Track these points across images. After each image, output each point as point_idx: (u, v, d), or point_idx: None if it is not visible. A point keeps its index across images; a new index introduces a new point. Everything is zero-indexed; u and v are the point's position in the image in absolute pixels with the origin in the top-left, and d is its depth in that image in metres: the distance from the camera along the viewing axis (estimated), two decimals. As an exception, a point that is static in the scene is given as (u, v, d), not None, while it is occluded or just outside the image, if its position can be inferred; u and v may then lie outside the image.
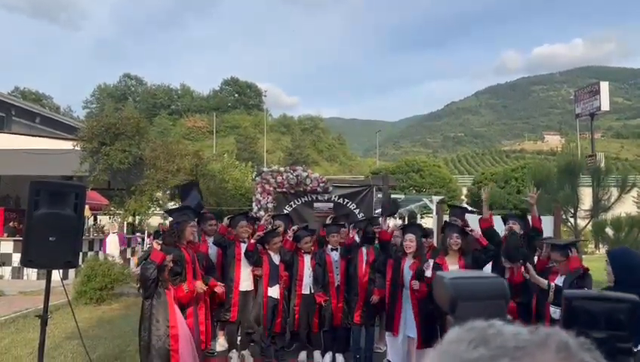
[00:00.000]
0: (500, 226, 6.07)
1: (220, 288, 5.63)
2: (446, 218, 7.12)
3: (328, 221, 7.30)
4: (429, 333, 5.46)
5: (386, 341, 6.49)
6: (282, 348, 6.60)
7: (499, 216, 6.48)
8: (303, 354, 6.52)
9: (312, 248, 6.63)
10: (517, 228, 5.69)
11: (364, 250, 6.42)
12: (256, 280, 6.37)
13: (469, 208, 8.07)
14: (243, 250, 6.31)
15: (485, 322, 0.55)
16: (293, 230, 6.79)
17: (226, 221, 6.55)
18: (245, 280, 6.31)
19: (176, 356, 4.63)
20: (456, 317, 0.61)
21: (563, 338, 0.52)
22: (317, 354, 6.50)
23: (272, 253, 6.35)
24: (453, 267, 5.35)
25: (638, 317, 0.78)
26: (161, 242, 4.96)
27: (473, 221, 6.45)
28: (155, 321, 4.61)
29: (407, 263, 5.68)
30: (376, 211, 9.37)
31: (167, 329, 4.62)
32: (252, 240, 6.27)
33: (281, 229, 6.82)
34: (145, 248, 16.78)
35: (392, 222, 10.33)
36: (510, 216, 6.14)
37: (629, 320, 0.67)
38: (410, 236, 5.75)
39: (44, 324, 4.20)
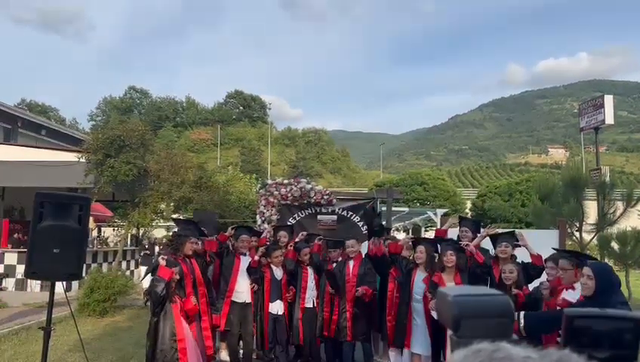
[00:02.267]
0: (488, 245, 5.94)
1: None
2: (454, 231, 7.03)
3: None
4: (438, 349, 5.40)
5: (389, 355, 6.44)
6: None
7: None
8: None
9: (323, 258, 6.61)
10: (509, 250, 5.50)
11: (350, 263, 6.33)
12: (256, 294, 6.34)
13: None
14: (242, 263, 6.29)
15: (492, 344, 0.53)
16: (303, 234, 6.79)
17: (230, 231, 6.53)
18: (243, 292, 6.27)
19: None
20: (460, 336, 0.60)
21: None
22: None
23: (274, 267, 6.32)
24: (449, 284, 5.28)
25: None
26: (166, 258, 4.95)
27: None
28: (161, 335, 4.60)
29: (419, 276, 5.62)
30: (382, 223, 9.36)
31: (174, 342, 4.61)
32: (256, 257, 6.23)
33: (285, 240, 6.81)
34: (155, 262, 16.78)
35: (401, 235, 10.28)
36: (502, 237, 5.76)
37: (634, 338, 0.65)
38: (420, 248, 5.73)
39: (48, 336, 4.19)
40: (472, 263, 5.41)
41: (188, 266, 5.28)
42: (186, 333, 4.76)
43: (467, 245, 5.51)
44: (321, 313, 6.34)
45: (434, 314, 5.08)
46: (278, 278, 6.28)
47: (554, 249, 5.29)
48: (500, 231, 6.42)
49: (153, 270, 4.85)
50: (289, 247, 6.54)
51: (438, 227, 12.44)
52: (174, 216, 13.82)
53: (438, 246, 5.85)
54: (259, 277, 6.24)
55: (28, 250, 4.18)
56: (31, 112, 30.33)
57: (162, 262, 4.78)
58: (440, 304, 0.66)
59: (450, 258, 5.31)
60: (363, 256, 6.41)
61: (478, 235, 5.95)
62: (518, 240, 5.63)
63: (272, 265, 6.32)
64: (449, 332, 0.62)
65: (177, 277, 4.77)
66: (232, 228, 6.65)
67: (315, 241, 6.76)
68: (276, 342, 6.25)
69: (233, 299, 6.21)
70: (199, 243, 5.80)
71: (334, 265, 6.49)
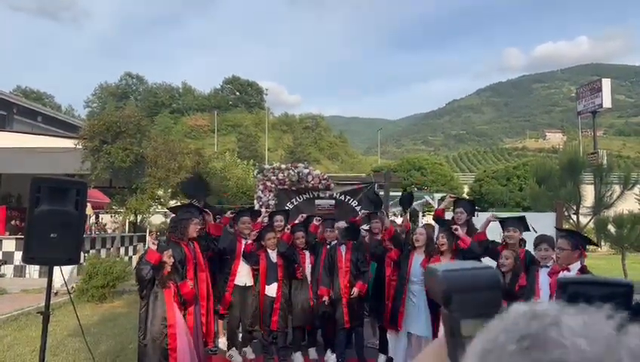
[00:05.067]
0: (497, 229, 5.86)
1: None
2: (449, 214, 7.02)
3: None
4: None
5: (378, 335, 6.53)
6: (284, 346, 6.58)
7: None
8: (311, 351, 6.55)
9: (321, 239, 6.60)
10: (517, 235, 5.37)
11: (342, 248, 6.27)
12: (256, 276, 6.36)
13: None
14: (244, 246, 6.30)
15: (534, 310, 0.50)
16: (302, 216, 6.79)
17: (229, 214, 6.49)
18: (244, 275, 6.28)
19: (174, 354, 4.61)
20: (451, 311, 0.61)
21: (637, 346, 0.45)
22: (312, 351, 6.54)
23: (269, 250, 6.33)
24: None
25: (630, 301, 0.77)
26: (156, 242, 4.92)
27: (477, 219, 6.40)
28: (152, 320, 4.60)
29: (417, 258, 5.62)
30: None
31: (165, 328, 4.60)
32: (249, 240, 6.24)
33: (281, 224, 6.80)
34: (146, 247, 16.77)
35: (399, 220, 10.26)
36: (510, 221, 5.64)
37: (625, 303, 0.66)
38: (420, 230, 5.74)
39: (46, 320, 4.21)
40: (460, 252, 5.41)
41: (191, 250, 5.27)
42: (178, 319, 4.74)
43: (456, 229, 5.49)
44: (316, 297, 6.33)
45: None
46: (274, 261, 6.29)
47: (556, 228, 5.26)
48: (507, 215, 6.33)
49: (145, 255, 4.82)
50: (286, 230, 6.54)
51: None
52: (171, 203, 13.83)
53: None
54: (255, 261, 6.25)
55: (25, 235, 4.17)
56: (27, 99, 30.16)
57: (152, 247, 4.76)
58: (430, 280, 0.66)
59: (441, 241, 5.33)
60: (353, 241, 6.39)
61: (484, 221, 5.91)
62: (528, 225, 5.56)
63: (267, 249, 6.32)
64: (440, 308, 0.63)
65: (171, 261, 4.72)
66: (232, 213, 6.62)
67: (313, 222, 6.74)
68: (270, 324, 6.27)
69: (236, 282, 6.25)
70: (200, 223, 5.77)
71: (329, 247, 6.48)
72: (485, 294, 0.59)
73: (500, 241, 5.58)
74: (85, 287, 9.84)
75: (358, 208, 8.72)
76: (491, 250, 5.44)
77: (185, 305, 4.96)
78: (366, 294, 6.23)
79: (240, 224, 6.42)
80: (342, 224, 6.71)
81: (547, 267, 4.70)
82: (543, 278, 4.61)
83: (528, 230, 5.57)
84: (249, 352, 6.41)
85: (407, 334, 5.66)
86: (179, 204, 11.91)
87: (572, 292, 0.68)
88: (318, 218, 6.79)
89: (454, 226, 5.57)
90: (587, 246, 5.03)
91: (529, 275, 4.82)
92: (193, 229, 5.33)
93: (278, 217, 6.95)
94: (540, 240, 4.93)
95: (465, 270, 0.61)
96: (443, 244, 5.33)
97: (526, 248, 5.40)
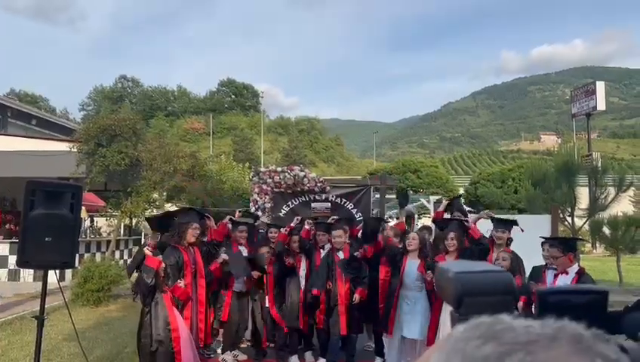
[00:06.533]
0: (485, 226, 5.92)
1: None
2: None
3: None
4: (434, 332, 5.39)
5: (373, 338, 6.50)
6: (281, 348, 6.55)
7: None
8: (307, 354, 6.51)
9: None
10: (505, 236, 5.50)
11: (339, 254, 6.15)
12: (257, 287, 6.36)
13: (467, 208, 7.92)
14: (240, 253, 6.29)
15: (492, 317, 0.52)
16: (297, 219, 6.79)
17: (227, 220, 6.43)
18: (239, 282, 6.28)
19: (179, 357, 4.60)
20: (462, 314, 0.59)
21: (576, 330, 0.50)
22: (308, 354, 6.51)
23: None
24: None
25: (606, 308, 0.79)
26: (151, 249, 4.86)
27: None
28: (155, 326, 4.57)
29: (411, 263, 5.59)
30: (374, 211, 9.36)
31: (168, 332, 4.58)
32: (254, 275, 6.23)
33: (275, 236, 6.79)
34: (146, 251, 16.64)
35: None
36: (500, 223, 5.75)
37: (601, 310, 0.67)
38: (413, 234, 5.71)
39: (41, 325, 4.17)
40: (469, 243, 5.40)
41: (190, 255, 5.23)
42: (179, 322, 4.73)
43: (467, 221, 5.50)
44: (312, 298, 6.28)
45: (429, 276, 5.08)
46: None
47: (542, 237, 5.32)
48: (503, 217, 6.39)
49: (141, 262, 4.77)
50: (282, 230, 6.53)
51: (431, 214, 12.46)
52: (166, 206, 13.78)
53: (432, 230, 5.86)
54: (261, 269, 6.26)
55: (20, 239, 4.14)
56: (21, 102, 30.04)
57: (149, 253, 4.72)
58: (440, 280, 0.64)
59: (451, 241, 5.29)
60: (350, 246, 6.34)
61: (476, 215, 5.95)
62: (517, 225, 5.65)
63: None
64: (449, 309, 0.61)
65: (163, 266, 4.71)
66: (230, 219, 6.52)
67: (305, 226, 6.69)
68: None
69: (233, 288, 6.24)
70: (199, 228, 5.73)
71: (322, 250, 6.44)
72: (498, 298, 0.58)
73: (487, 237, 5.68)
74: (80, 291, 9.77)
75: (354, 211, 8.71)
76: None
77: (181, 307, 4.93)
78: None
79: (237, 233, 6.40)
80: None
81: (555, 269, 4.76)
82: (550, 280, 4.66)
83: (516, 225, 5.66)
84: (240, 354, 6.42)
85: (401, 338, 5.64)
86: (174, 207, 11.88)
87: (551, 302, 0.68)
88: (309, 221, 6.75)
89: (465, 219, 5.57)
90: (579, 246, 5.14)
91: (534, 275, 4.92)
92: (191, 234, 5.30)
93: (273, 229, 6.96)
94: (543, 241, 5.06)
95: (479, 273, 0.59)
96: (452, 245, 5.30)
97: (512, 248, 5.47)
